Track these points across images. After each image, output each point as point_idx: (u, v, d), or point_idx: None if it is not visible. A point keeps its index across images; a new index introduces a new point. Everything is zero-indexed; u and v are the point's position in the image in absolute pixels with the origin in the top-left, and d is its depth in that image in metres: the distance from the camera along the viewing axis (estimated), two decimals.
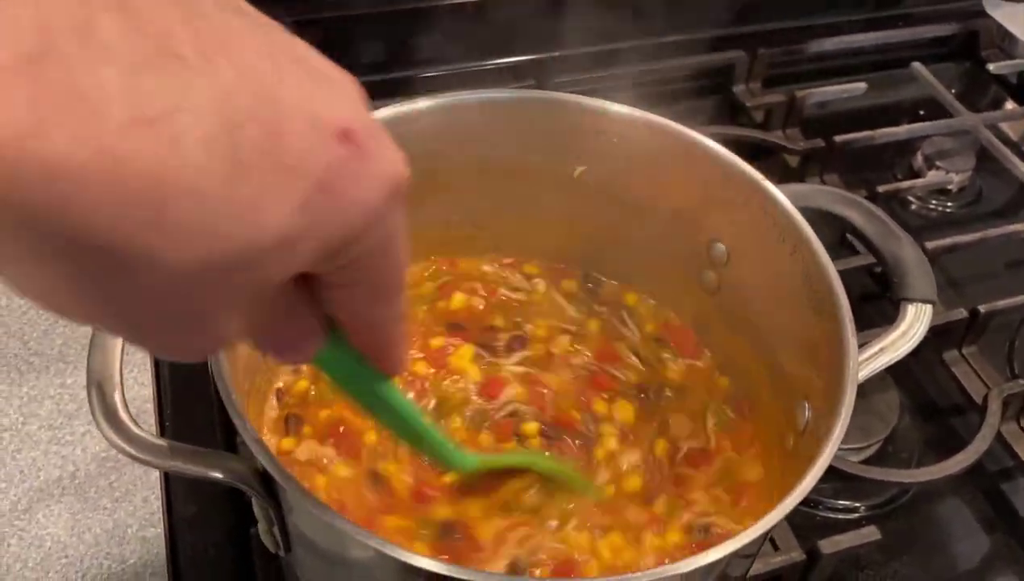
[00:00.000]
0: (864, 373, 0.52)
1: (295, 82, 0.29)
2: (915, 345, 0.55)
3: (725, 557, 0.43)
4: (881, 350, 0.54)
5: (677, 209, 0.64)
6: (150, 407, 0.69)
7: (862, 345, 0.53)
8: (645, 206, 0.65)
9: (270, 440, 0.58)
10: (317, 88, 0.30)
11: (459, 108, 0.62)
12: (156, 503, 0.64)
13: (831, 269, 0.54)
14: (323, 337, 0.37)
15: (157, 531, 0.63)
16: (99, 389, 0.47)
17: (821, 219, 0.59)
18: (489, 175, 0.65)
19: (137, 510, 0.64)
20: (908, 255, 0.58)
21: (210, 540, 0.62)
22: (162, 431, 0.68)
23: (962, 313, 0.77)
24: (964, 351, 0.78)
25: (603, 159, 0.64)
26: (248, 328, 0.33)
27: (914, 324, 0.56)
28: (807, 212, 0.57)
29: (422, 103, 0.61)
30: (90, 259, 0.27)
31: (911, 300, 0.57)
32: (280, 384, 0.60)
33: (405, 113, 0.60)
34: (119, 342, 0.49)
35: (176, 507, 0.64)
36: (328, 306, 0.37)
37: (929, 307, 0.57)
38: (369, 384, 0.41)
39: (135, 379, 0.71)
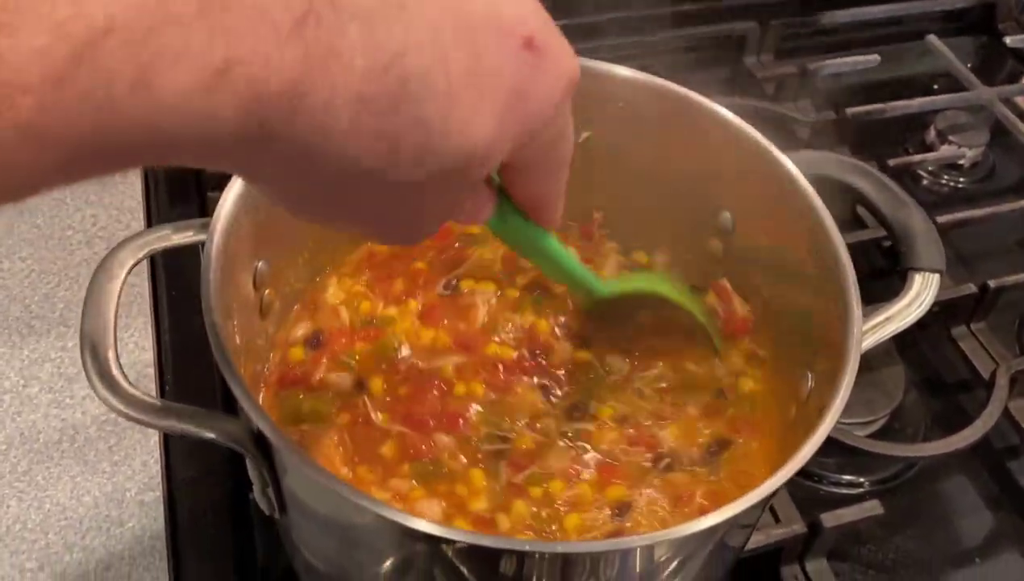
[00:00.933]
0: (869, 342, 0.51)
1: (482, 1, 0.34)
2: (921, 314, 0.54)
3: (723, 523, 0.42)
4: (887, 319, 0.53)
5: (683, 176, 0.63)
6: (151, 371, 0.69)
7: (867, 315, 0.52)
8: (650, 173, 0.64)
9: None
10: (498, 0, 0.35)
11: None
12: (155, 467, 0.64)
13: (837, 235, 0.53)
14: (495, 205, 0.45)
15: (156, 494, 0.63)
16: (93, 349, 0.47)
17: (831, 193, 0.58)
18: None
19: (136, 473, 0.64)
20: (916, 224, 0.57)
21: (209, 504, 0.62)
22: (162, 394, 0.68)
23: (971, 288, 0.77)
24: (973, 327, 0.78)
25: (609, 124, 0.63)
26: (446, 212, 0.40)
27: (921, 293, 0.55)
28: (816, 182, 0.56)
29: None
30: (337, 177, 0.33)
31: (918, 269, 0.56)
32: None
33: None
34: (113, 303, 0.48)
35: (175, 471, 0.64)
36: (504, 182, 0.45)
37: (936, 277, 0.56)
38: (529, 236, 0.49)
39: (136, 343, 0.71)
